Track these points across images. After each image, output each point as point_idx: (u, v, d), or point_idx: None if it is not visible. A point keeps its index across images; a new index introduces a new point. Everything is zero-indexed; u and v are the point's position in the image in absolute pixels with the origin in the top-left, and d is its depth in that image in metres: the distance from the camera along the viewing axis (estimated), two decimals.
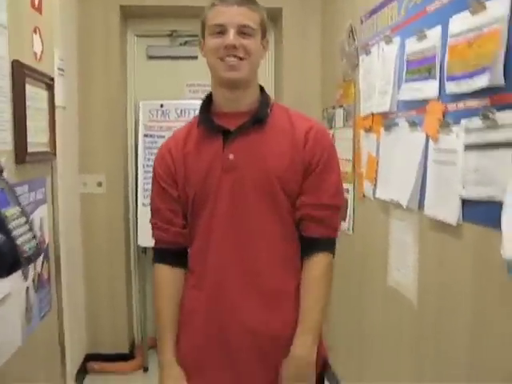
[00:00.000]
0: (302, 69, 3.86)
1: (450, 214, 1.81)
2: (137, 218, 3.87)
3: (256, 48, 1.55)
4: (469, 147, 1.71)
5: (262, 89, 1.66)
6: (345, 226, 3.15)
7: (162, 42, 4.18)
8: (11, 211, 1.13)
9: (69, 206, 3.18)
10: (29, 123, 1.62)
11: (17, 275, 1.53)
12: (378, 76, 2.52)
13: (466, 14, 1.71)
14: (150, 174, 3.94)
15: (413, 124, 2.14)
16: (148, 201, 3.90)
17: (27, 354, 1.62)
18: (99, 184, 3.75)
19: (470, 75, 1.66)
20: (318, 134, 1.60)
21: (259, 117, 1.58)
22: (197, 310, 1.59)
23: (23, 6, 1.61)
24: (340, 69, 3.28)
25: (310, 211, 1.57)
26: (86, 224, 3.74)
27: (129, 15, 3.97)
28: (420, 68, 2.07)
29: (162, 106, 3.97)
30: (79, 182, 3.69)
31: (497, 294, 1.57)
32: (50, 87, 1.88)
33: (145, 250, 3.90)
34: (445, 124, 1.87)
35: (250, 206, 1.54)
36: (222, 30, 1.50)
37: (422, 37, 2.05)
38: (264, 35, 1.60)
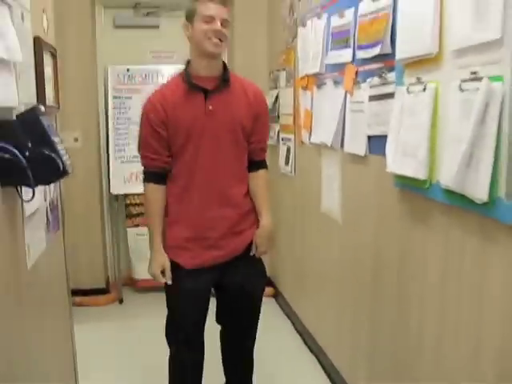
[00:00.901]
0: (252, 38, 4.44)
1: (360, 148, 2.46)
2: (109, 169, 4.41)
3: (228, 35, 2.26)
4: (372, 98, 2.35)
5: (223, 62, 2.35)
6: (287, 169, 3.78)
7: (128, 13, 4.66)
8: (56, 139, 1.69)
9: None
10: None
11: (40, 196, 2.08)
12: (312, 44, 3.12)
13: (368, 0, 2.32)
14: (120, 131, 4.52)
15: (336, 83, 2.77)
16: (118, 154, 4.48)
17: (48, 255, 2.19)
18: (75, 139, 4.27)
19: (371, 45, 2.29)
20: (259, 94, 2.41)
21: (225, 79, 2.29)
22: (184, 213, 2.32)
23: None
24: (283, 38, 3.88)
25: (259, 145, 2.41)
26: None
27: None
28: (340, 39, 2.68)
29: (128, 70, 4.50)
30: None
31: (390, 199, 2.22)
32: (53, 55, 2.41)
33: (116, 197, 4.48)
34: (357, 82, 2.50)
35: (222, 141, 2.29)
36: (210, 20, 2.18)
37: (341, 15, 2.66)
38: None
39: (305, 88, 3.31)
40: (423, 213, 1.95)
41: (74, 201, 4.24)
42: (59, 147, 1.68)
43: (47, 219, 2.22)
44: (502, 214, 1.46)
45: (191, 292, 2.35)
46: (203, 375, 2.54)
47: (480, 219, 1.58)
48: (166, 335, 2.49)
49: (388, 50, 2.15)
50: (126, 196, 4.51)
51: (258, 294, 2.50)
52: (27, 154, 1.51)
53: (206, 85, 2.26)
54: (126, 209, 4.55)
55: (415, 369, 2.04)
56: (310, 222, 3.40)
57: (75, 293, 4.33)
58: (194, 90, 2.26)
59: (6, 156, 1.46)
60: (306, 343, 3.54)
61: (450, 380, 1.79)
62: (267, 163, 2.52)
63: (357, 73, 2.50)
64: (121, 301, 4.47)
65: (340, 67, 2.69)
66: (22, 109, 1.69)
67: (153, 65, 4.59)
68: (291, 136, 3.70)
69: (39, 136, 1.61)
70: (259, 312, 2.54)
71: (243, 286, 2.39)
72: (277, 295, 4.35)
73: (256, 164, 2.43)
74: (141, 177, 4.35)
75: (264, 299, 2.53)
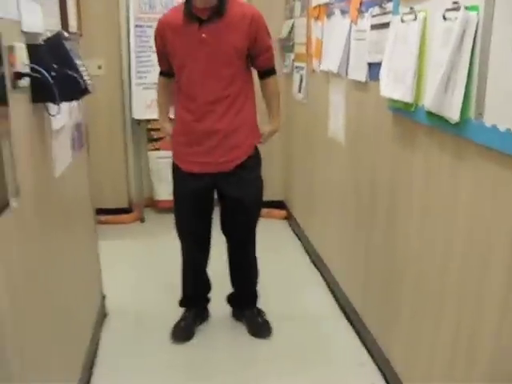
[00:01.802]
0: None
1: (362, 75, 2.63)
2: (131, 95, 4.62)
3: None
4: (373, 27, 2.49)
5: None
6: (300, 96, 3.94)
7: None
8: (78, 61, 1.89)
9: None
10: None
11: (67, 115, 2.31)
12: None
13: None
14: (142, 59, 4.69)
15: (343, 12, 2.90)
16: (140, 81, 4.68)
17: (74, 169, 2.43)
18: (99, 67, 4.47)
19: None
20: (256, 15, 2.57)
21: (219, 11, 2.49)
22: (183, 122, 2.66)
23: None
24: None
25: (265, 55, 2.67)
26: (89, 101, 4.45)
27: None
28: None
29: None
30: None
31: (385, 123, 2.40)
32: None
33: (138, 121, 4.71)
34: (361, 11, 2.63)
35: (215, 65, 2.53)
36: None
37: None
38: None
39: (317, 18, 3.43)
40: (410, 134, 2.13)
41: (98, 125, 4.48)
42: (81, 68, 1.90)
43: (72, 137, 2.46)
44: (471, 133, 1.64)
45: (186, 192, 2.71)
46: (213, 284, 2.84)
47: (454, 139, 1.77)
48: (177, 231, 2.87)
49: None
50: (147, 121, 4.73)
51: (250, 205, 2.75)
52: (53, 73, 1.72)
53: (201, 15, 2.48)
54: (148, 133, 4.79)
55: (402, 277, 2.28)
56: (319, 146, 3.59)
57: (100, 212, 4.62)
58: (191, 19, 2.49)
59: (35, 75, 1.67)
60: (312, 261, 3.80)
61: (424, 288, 2.03)
62: (276, 72, 2.79)
63: (361, 3, 2.63)
64: (142, 220, 4.78)
65: None
66: (48, 34, 1.89)
67: None
68: (304, 65, 3.84)
69: (63, 58, 1.82)
70: (254, 221, 2.83)
71: (237, 198, 2.69)
72: (289, 217, 4.60)
73: (266, 72, 2.73)
74: None
75: (277, 221, 2.81)
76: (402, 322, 2.31)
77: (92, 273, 2.91)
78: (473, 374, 1.71)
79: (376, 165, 2.55)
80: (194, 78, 2.55)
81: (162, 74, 2.82)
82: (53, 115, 1.86)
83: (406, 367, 2.26)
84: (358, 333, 2.86)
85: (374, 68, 2.49)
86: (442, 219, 1.88)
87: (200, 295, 2.98)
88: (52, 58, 1.76)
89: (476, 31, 1.59)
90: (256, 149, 2.71)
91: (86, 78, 1.89)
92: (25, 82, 1.64)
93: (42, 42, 1.81)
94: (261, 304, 3.02)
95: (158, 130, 4.74)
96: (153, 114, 4.59)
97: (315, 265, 3.73)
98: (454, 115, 1.68)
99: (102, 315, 3.03)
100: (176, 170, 2.74)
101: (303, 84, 3.87)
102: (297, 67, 4.06)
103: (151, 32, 4.59)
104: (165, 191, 4.82)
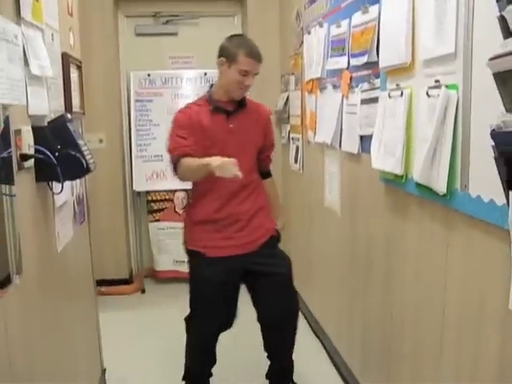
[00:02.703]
0: (264, 44, 4.59)
1: (354, 147, 2.72)
2: (131, 168, 4.73)
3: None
4: (363, 101, 2.60)
5: None
6: (296, 167, 4.04)
7: (148, 22, 4.98)
8: (80, 142, 1.99)
9: None
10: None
11: (68, 191, 2.38)
12: (315, 51, 3.38)
13: (359, 13, 2.57)
14: (142, 132, 4.83)
15: (335, 87, 3.03)
16: (140, 153, 4.79)
17: (75, 243, 2.49)
18: (100, 141, 4.60)
19: (361, 54, 2.54)
20: (266, 113, 2.85)
21: (243, 102, 2.69)
22: (211, 210, 2.67)
23: (63, 13, 2.41)
24: (291, 44, 4.14)
25: (268, 158, 2.91)
26: (91, 174, 4.57)
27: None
28: (338, 47, 2.94)
29: (149, 75, 4.82)
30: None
31: (377, 193, 2.47)
32: (79, 67, 2.71)
33: (139, 193, 4.80)
34: (351, 87, 2.75)
35: (241, 155, 2.55)
36: (246, 74, 2.56)
37: (338, 25, 2.91)
38: None
39: (310, 91, 3.57)
40: (402, 204, 2.20)
41: (99, 197, 4.55)
42: (83, 148, 1.98)
43: (74, 211, 2.52)
44: (458, 204, 1.71)
45: (213, 277, 2.65)
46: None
47: (443, 209, 1.83)
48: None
49: (374, 58, 2.39)
50: (147, 193, 4.83)
51: (286, 276, 2.79)
52: (56, 154, 1.81)
53: (227, 107, 2.65)
54: (148, 205, 4.87)
55: (399, 343, 2.29)
56: (315, 215, 3.66)
57: (101, 283, 4.63)
58: (218, 111, 2.64)
59: (40, 156, 1.75)
60: (312, 330, 3.80)
61: (422, 349, 2.05)
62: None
63: (351, 78, 2.75)
64: (143, 291, 4.79)
65: (338, 73, 2.94)
66: (52, 116, 1.99)
67: (172, 70, 4.90)
68: (299, 136, 3.96)
69: (66, 139, 1.91)
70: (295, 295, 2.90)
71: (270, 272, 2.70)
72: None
73: (267, 173, 2.93)
74: (161, 175, 4.73)
75: None
76: None
77: (92, 346, 2.91)
78: None
79: (371, 234, 2.61)
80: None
81: (180, 158, 2.58)
82: (56, 193, 1.93)
83: None
84: None
85: (365, 140, 2.59)
86: (435, 286, 1.92)
87: (206, 372, 2.94)
88: (56, 139, 1.85)
89: (457, 107, 1.68)
90: (277, 229, 2.82)
91: (88, 157, 1.97)
92: (30, 162, 1.73)
93: (47, 124, 1.90)
94: (260, 372, 3.01)
95: (158, 201, 4.84)
96: (153, 185, 4.73)
97: (315, 332, 3.72)
98: (441, 187, 1.76)
99: None
100: (198, 257, 2.71)
101: (299, 155, 3.98)
102: (293, 138, 4.19)
103: (151, 106, 4.80)
104: (165, 261, 4.87)
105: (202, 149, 2.56)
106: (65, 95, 2.35)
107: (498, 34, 1.38)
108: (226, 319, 2.77)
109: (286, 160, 4.48)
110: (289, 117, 4.31)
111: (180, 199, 4.82)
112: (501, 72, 1.37)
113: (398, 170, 2.08)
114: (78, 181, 2.61)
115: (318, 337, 3.66)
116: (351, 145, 2.77)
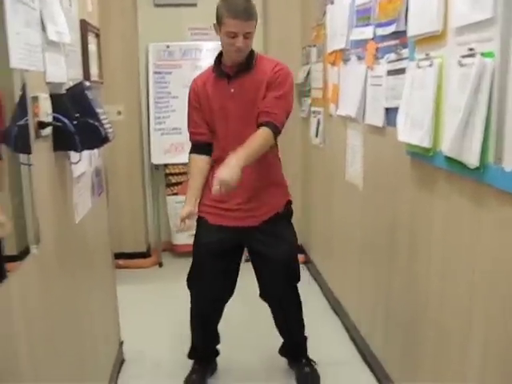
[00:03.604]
0: (286, 15, 4.60)
1: (379, 120, 2.64)
2: (150, 140, 4.69)
3: (251, 41, 2.44)
4: (389, 73, 2.51)
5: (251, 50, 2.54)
6: (317, 141, 3.97)
7: None
8: (99, 110, 1.93)
9: None
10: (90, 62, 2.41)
11: (87, 161, 2.34)
12: (339, 21, 3.28)
13: None
14: (160, 105, 4.78)
15: (359, 58, 2.94)
16: (159, 126, 4.76)
17: (94, 215, 2.46)
18: (119, 113, 4.55)
19: (388, 23, 2.45)
20: (278, 68, 2.52)
21: (247, 65, 2.51)
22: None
23: None
24: (313, 15, 4.03)
25: (263, 111, 2.47)
26: (109, 146, 4.52)
27: None
28: (363, 16, 2.84)
29: (168, 47, 4.74)
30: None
31: (403, 167, 2.40)
32: (97, 35, 2.65)
33: (157, 166, 4.76)
34: (376, 58, 2.66)
35: (245, 119, 2.49)
36: (234, 35, 2.37)
37: None
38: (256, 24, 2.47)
39: (333, 63, 3.48)
40: (429, 179, 2.13)
41: (117, 170, 4.54)
42: (102, 117, 1.93)
43: (92, 183, 2.49)
44: (491, 178, 1.63)
45: (211, 244, 2.63)
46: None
47: (473, 183, 1.76)
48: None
49: (402, 27, 2.31)
50: (165, 166, 4.78)
51: (282, 261, 2.66)
52: (75, 122, 1.76)
53: (229, 71, 2.53)
54: (166, 178, 4.83)
55: (424, 322, 2.24)
56: (337, 189, 3.59)
57: (119, 256, 4.64)
58: (220, 75, 2.54)
59: (58, 124, 1.70)
60: (331, 305, 3.76)
61: (447, 334, 1.99)
62: (277, 128, 2.45)
63: (377, 49, 2.66)
64: (160, 264, 4.78)
65: (363, 43, 2.85)
66: (71, 84, 1.94)
67: (191, 41, 4.81)
68: (321, 109, 3.88)
69: (85, 107, 1.86)
70: (292, 279, 2.74)
71: (265, 255, 2.63)
72: (308, 262, 4.57)
73: (261, 123, 2.44)
74: (179, 148, 4.69)
75: None
76: (424, 368, 2.25)
77: (110, 318, 2.90)
78: None
79: (395, 209, 2.54)
80: (227, 133, 2.54)
81: (191, 149, 2.70)
82: (74, 163, 1.89)
83: None
84: (378, 380, 2.80)
85: (391, 113, 2.51)
86: (464, 263, 1.85)
87: (210, 348, 2.94)
88: (74, 107, 1.80)
89: (493, 76, 1.60)
90: (286, 207, 2.68)
91: (106, 126, 1.92)
92: (47, 130, 1.68)
93: (65, 92, 1.85)
94: (264, 350, 3.02)
95: (176, 174, 4.80)
96: (171, 158, 4.68)
97: (334, 310, 3.68)
98: (472, 160, 1.68)
99: (120, 361, 3.01)
100: (201, 223, 2.68)
101: (320, 128, 3.90)
102: (314, 112, 4.10)
103: (170, 78, 4.73)
104: (182, 235, 4.83)
105: (210, 125, 2.59)
106: (83, 63, 2.30)
107: None
108: (220, 290, 2.72)
109: (306, 134, 4.41)
110: (310, 90, 4.22)
111: None
112: None
113: (426, 143, 2.00)
114: (96, 152, 2.57)
115: (337, 314, 3.62)
116: (376, 117, 2.69)
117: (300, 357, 2.92)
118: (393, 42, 2.46)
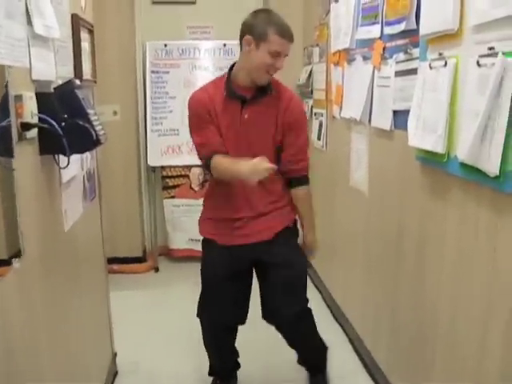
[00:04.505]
0: (287, 14, 4.35)
1: (386, 123, 2.52)
2: (146, 142, 4.55)
3: None
4: (397, 73, 2.39)
5: None
6: (319, 144, 3.84)
7: None
8: (90, 111, 1.80)
9: None
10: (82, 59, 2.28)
11: (77, 165, 2.21)
12: (343, 20, 3.16)
13: None
14: (158, 105, 4.64)
15: (365, 58, 2.81)
16: (156, 127, 4.62)
17: (85, 221, 2.32)
18: (115, 113, 4.41)
19: (397, 21, 2.32)
20: (294, 101, 2.37)
21: (264, 89, 2.30)
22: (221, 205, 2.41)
23: None
24: (317, 14, 3.91)
25: (294, 157, 2.38)
26: (104, 147, 4.38)
27: None
28: (370, 14, 2.72)
29: (165, 45, 4.61)
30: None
31: (412, 173, 2.27)
32: (90, 31, 2.52)
33: (154, 168, 4.63)
34: (384, 58, 2.54)
35: (255, 149, 2.24)
36: (277, 55, 2.20)
37: None
38: None
39: (336, 64, 3.36)
40: (441, 186, 2.00)
41: (113, 172, 4.40)
42: (93, 118, 1.80)
43: (84, 187, 2.35)
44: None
45: (222, 269, 2.43)
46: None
47: (492, 193, 1.63)
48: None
49: (413, 25, 2.18)
50: (162, 168, 4.64)
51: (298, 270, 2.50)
52: (63, 124, 1.63)
53: (244, 93, 2.30)
54: (163, 180, 4.69)
55: (430, 341, 2.11)
56: (340, 195, 3.46)
57: (113, 261, 4.49)
58: (233, 97, 2.30)
59: (44, 126, 1.57)
60: (333, 314, 3.63)
61: (460, 349, 1.87)
62: (309, 178, 2.44)
63: (384, 48, 2.54)
64: (156, 269, 4.63)
65: (369, 43, 2.73)
66: (60, 82, 1.81)
67: (190, 40, 4.68)
68: (323, 111, 3.75)
69: (74, 108, 1.73)
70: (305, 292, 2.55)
71: (283, 264, 2.42)
72: (308, 267, 4.43)
73: (295, 181, 2.41)
74: (176, 149, 4.56)
75: None
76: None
77: (103, 329, 2.76)
78: None
79: (403, 216, 2.41)
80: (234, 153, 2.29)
81: (211, 156, 2.30)
82: (63, 168, 1.76)
83: None
84: None
85: (399, 116, 2.38)
86: (480, 276, 1.73)
87: (229, 366, 2.76)
88: (63, 107, 1.67)
89: None
90: (294, 222, 2.52)
91: (98, 128, 1.79)
92: (32, 133, 1.55)
93: (53, 91, 1.72)
94: (280, 362, 2.86)
95: (173, 177, 4.67)
96: (168, 160, 4.55)
97: (336, 319, 3.55)
98: (492, 168, 1.56)
99: (113, 373, 2.87)
100: (208, 245, 2.49)
101: (323, 131, 3.78)
102: (316, 114, 3.97)
103: (167, 78, 4.60)
104: (180, 239, 4.72)
105: None
106: (75, 60, 2.17)
107: None
108: (234, 315, 2.53)
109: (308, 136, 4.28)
110: (312, 91, 4.09)
111: (196, 175, 4.63)
112: None
113: (440, 148, 1.88)
114: (88, 154, 2.44)
115: (339, 323, 3.49)
116: (383, 120, 2.56)
117: (317, 373, 2.75)
118: (402, 41, 2.33)
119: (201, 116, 2.32)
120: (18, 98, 1.46)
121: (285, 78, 2.55)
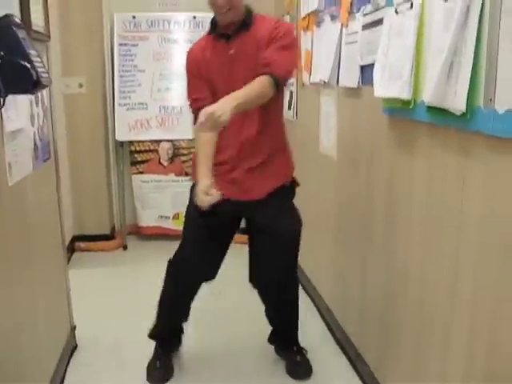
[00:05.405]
0: None
1: (353, 80, 2.42)
2: (114, 116, 4.40)
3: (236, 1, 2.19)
4: (365, 27, 2.29)
5: (246, 7, 2.29)
6: (290, 114, 3.73)
7: None
8: (31, 51, 1.68)
9: (53, 105, 3.64)
10: (32, 7, 2.14)
11: (26, 117, 2.08)
12: None
13: None
14: (126, 79, 4.50)
15: (333, 18, 2.71)
16: (124, 101, 4.47)
17: (36, 182, 2.20)
18: (80, 85, 4.26)
19: None
20: (279, 24, 2.30)
21: (245, 23, 2.26)
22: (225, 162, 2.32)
23: None
24: None
25: (264, 63, 2.19)
26: (70, 122, 4.26)
27: None
28: None
29: (134, 17, 4.46)
30: (62, 83, 4.17)
31: (380, 128, 2.17)
32: None
33: (122, 143, 4.48)
34: (351, 12, 2.43)
35: (244, 77, 2.15)
36: None
37: None
38: None
39: (306, 28, 3.25)
40: (409, 136, 1.91)
41: (79, 146, 4.28)
42: (35, 59, 1.67)
43: (35, 145, 2.22)
44: (480, 124, 1.41)
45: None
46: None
47: (459, 134, 1.54)
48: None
49: None
50: (130, 143, 4.50)
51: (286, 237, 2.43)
52: None
53: (226, 30, 2.28)
54: (131, 155, 4.54)
55: (403, 299, 2.03)
56: (310, 164, 3.36)
57: (80, 238, 4.41)
58: (218, 36, 2.30)
59: None
60: (302, 286, 3.53)
61: (428, 311, 1.78)
62: (279, 78, 2.15)
63: (351, 3, 2.43)
64: (125, 247, 4.50)
65: (336, 1, 2.63)
66: None
67: (159, 12, 4.54)
68: (293, 80, 3.64)
69: (12, 45, 1.60)
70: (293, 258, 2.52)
71: (269, 228, 2.37)
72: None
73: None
74: (145, 124, 4.43)
75: None
76: (403, 352, 2.04)
77: (59, 302, 2.64)
78: None
79: (372, 176, 2.32)
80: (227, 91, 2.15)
81: (195, 120, 2.24)
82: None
83: None
84: (354, 366, 2.58)
85: (366, 71, 2.28)
86: (449, 228, 1.64)
87: (178, 328, 2.68)
88: None
89: (482, 7, 1.38)
90: (292, 183, 2.47)
91: (40, 70, 1.66)
92: None
93: None
94: (251, 334, 2.81)
95: (142, 152, 4.53)
96: (136, 135, 4.41)
97: (305, 290, 3.45)
98: (459, 105, 1.46)
99: (72, 347, 2.75)
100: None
101: (293, 100, 3.67)
102: None
103: (136, 51, 4.45)
104: (149, 217, 4.59)
105: (211, 91, 2.29)
106: (20, 4, 2.01)
107: None
108: (208, 266, 2.45)
109: None
110: None
111: (165, 150, 4.50)
112: None
113: (406, 94, 1.78)
114: (40, 111, 2.31)
115: (308, 294, 3.39)
116: (350, 78, 2.46)
117: (291, 344, 2.68)
118: None
119: (190, 71, 2.36)
120: None
121: None
